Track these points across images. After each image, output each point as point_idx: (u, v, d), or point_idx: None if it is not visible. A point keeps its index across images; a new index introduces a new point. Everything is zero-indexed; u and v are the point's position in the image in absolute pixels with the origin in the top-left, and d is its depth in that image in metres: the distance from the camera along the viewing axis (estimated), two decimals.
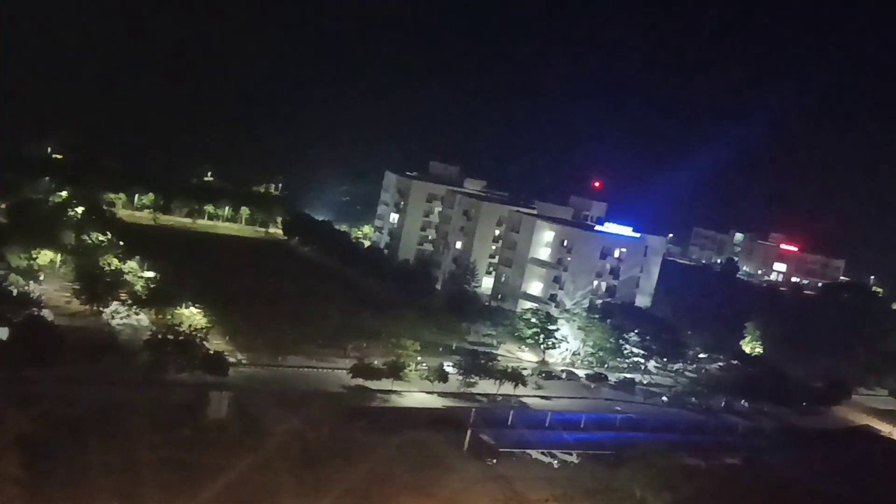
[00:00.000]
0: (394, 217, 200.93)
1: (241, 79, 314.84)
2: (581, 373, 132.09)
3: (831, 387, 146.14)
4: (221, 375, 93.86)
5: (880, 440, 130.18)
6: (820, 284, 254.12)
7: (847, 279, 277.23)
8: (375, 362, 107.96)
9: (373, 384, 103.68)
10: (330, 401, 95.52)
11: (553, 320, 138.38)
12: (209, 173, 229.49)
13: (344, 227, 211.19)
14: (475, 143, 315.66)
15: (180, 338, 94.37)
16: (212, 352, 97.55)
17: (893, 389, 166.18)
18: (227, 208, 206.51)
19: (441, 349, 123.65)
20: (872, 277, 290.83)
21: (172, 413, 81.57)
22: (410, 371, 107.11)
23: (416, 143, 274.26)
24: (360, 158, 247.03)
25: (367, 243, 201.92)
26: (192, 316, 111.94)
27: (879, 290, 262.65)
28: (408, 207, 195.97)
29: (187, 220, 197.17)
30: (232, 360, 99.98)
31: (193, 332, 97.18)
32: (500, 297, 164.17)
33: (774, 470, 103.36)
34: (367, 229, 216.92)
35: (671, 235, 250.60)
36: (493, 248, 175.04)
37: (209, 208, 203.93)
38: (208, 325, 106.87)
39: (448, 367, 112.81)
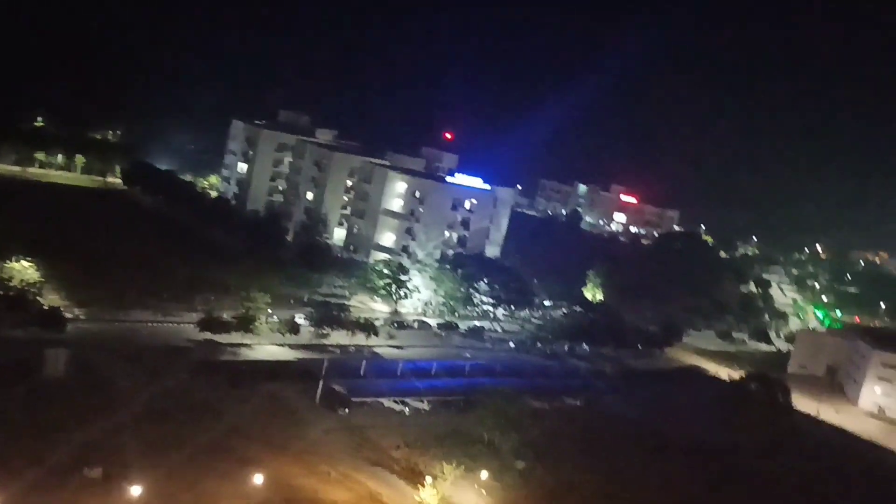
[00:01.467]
0: (242, 167, 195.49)
1: (75, 16, 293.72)
2: (433, 322, 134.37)
3: (664, 330, 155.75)
4: (58, 331, 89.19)
5: (706, 378, 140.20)
6: (656, 234, 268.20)
7: (680, 229, 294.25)
8: (224, 315, 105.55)
9: (222, 338, 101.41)
10: (177, 355, 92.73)
11: (405, 271, 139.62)
12: (40, 117, 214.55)
13: (189, 177, 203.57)
14: (327, 93, 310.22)
15: (11, 293, 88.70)
16: (47, 307, 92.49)
17: (720, 332, 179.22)
18: (60, 156, 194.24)
19: (292, 301, 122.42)
20: (703, 227, 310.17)
21: (4, 372, 76.87)
22: (260, 324, 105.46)
23: (264, 92, 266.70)
24: (206, 106, 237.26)
25: (214, 194, 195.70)
26: (23, 270, 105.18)
27: (709, 238, 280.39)
28: (256, 157, 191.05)
29: (17, 169, 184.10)
30: (69, 315, 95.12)
31: (25, 287, 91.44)
32: (352, 248, 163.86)
33: (612, 409, 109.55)
34: (213, 179, 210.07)
35: (519, 187, 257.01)
36: (345, 199, 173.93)
37: (40, 156, 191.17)
38: (41, 279, 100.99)
39: (299, 319, 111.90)
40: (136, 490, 60.20)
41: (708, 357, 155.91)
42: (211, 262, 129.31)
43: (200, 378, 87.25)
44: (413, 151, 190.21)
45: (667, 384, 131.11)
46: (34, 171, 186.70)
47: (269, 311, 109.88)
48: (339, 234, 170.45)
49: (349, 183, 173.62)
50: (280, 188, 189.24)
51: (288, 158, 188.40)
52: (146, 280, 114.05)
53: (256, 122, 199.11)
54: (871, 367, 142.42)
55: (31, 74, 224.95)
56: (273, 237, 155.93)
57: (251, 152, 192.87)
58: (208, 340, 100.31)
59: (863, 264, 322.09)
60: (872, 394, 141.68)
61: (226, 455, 71.68)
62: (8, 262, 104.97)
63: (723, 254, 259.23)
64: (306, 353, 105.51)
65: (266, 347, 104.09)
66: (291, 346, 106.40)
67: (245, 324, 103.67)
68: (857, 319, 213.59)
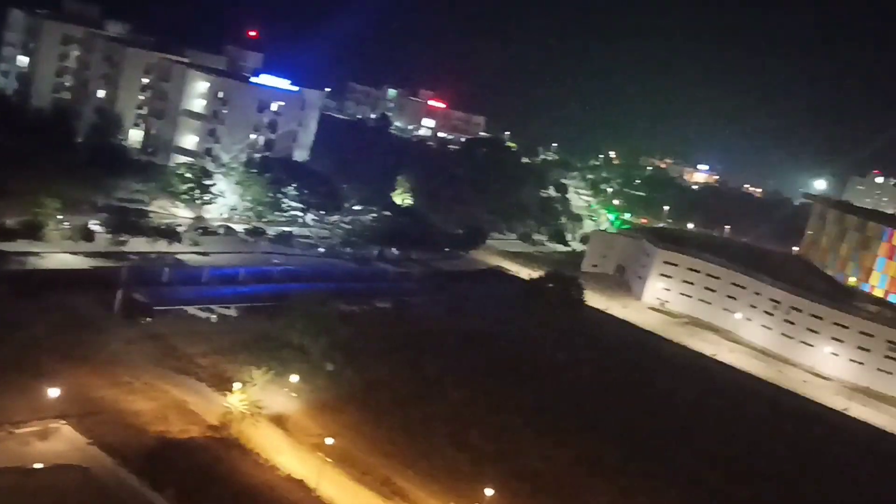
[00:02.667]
0: (22, 60, 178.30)
1: None
2: (239, 228, 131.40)
3: (470, 233, 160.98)
4: None
5: (508, 277, 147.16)
6: (463, 139, 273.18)
7: (487, 135, 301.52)
8: (8, 222, 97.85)
9: (7, 246, 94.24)
10: None
11: (209, 175, 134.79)
12: None
13: None
14: None
15: None
16: None
17: (522, 234, 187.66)
18: None
19: (85, 207, 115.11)
20: (507, 133, 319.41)
21: None
22: (51, 231, 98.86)
23: None
24: None
25: None
26: None
27: (513, 145, 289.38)
28: (39, 50, 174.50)
29: None
30: None
31: None
32: (150, 150, 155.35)
33: (419, 309, 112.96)
34: None
35: (328, 90, 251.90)
36: (142, 98, 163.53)
37: None
38: None
39: (94, 226, 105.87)
40: None
41: (510, 258, 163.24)
42: None
43: None
44: (215, 49, 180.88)
45: (472, 284, 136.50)
46: None
47: (60, 217, 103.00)
48: (135, 136, 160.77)
49: (145, 81, 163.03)
50: (67, 84, 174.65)
51: (75, 52, 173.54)
52: None
53: (38, 10, 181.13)
54: (654, 265, 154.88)
55: None
56: (61, 138, 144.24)
57: (33, 45, 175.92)
58: None
59: (650, 170, 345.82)
60: (655, 289, 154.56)
61: (18, 370, 67.76)
62: None
63: (525, 160, 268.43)
64: (103, 261, 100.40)
65: (58, 256, 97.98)
66: (86, 255, 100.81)
67: (32, 230, 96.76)
68: (644, 221, 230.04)
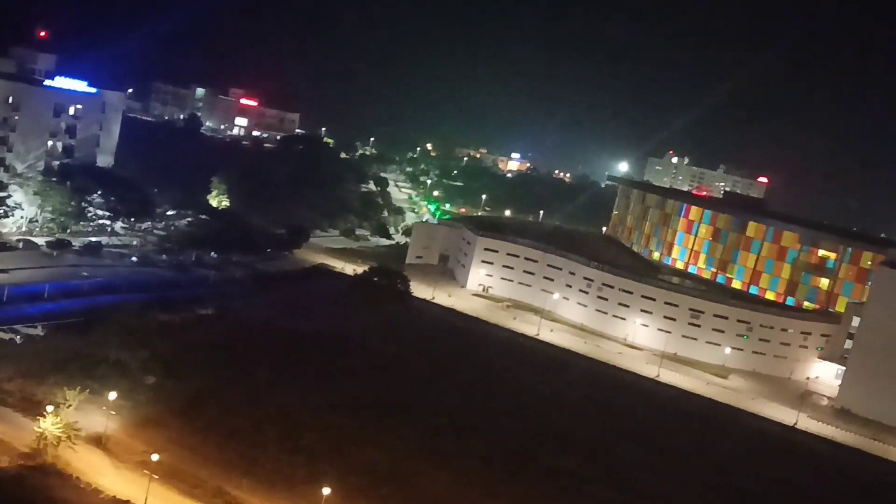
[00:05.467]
0: None
1: None
2: (41, 241, 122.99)
3: (292, 232, 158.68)
4: None
5: (333, 274, 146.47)
6: (278, 137, 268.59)
7: (302, 132, 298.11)
8: None
9: None
10: None
11: (3, 187, 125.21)
12: None
13: None
14: None
15: None
16: None
17: (344, 230, 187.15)
18: None
19: None
20: (324, 129, 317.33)
21: None
22: None
23: None
24: None
25: None
26: None
27: (330, 140, 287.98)
28: None
29: None
30: None
31: None
32: None
33: (243, 314, 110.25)
34: None
35: (130, 91, 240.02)
36: None
37: None
38: None
39: None
40: None
41: (334, 255, 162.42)
42: None
43: None
44: (2, 52, 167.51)
45: (296, 284, 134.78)
46: None
47: None
48: None
49: None
50: None
51: None
52: None
53: None
54: (475, 253, 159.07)
55: None
56: None
57: None
58: None
59: (466, 160, 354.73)
60: (478, 276, 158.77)
61: None
62: None
63: (344, 155, 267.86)
64: None
65: None
66: None
67: None
68: (463, 210, 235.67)
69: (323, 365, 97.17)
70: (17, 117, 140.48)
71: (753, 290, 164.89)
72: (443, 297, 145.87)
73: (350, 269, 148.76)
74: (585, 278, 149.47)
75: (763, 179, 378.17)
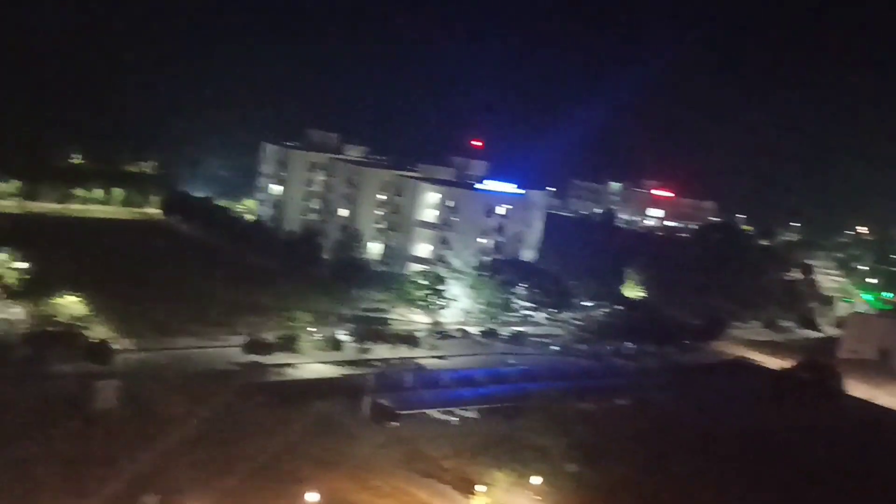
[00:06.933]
0: (276, 188, 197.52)
1: (100, 52, 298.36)
2: (474, 330, 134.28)
3: (709, 323, 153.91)
4: (107, 364, 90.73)
5: (754, 368, 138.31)
6: (693, 226, 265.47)
7: (718, 220, 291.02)
8: (267, 337, 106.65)
9: (266, 359, 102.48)
10: (225, 379, 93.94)
11: (442, 281, 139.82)
12: (77, 154, 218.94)
13: (224, 203, 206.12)
14: (353, 110, 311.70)
15: (60, 329, 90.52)
16: (95, 340, 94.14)
17: (766, 321, 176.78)
18: (98, 191, 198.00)
19: (333, 318, 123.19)
20: (742, 216, 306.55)
21: (58, 407, 78.45)
22: (304, 343, 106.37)
23: (291, 112, 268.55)
24: (234, 130, 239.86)
25: (251, 217, 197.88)
26: (70, 305, 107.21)
27: (749, 228, 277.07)
28: (289, 178, 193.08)
29: (58, 206, 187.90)
30: (117, 346, 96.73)
31: (74, 322, 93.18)
32: (388, 262, 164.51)
33: (660, 406, 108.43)
34: (249, 203, 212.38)
35: (552, 189, 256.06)
36: (379, 213, 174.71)
37: (80, 192, 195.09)
38: (89, 313, 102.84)
39: (341, 336, 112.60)
40: None
41: (755, 347, 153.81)
42: (251, 285, 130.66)
43: (249, 400, 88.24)
44: (442, 161, 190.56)
45: (714, 377, 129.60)
46: (76, 207, 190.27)
47: (311, 329, 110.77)
48: (374, 249, 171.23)
49: (382, 197, 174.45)
50: (314, 207, 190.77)
51: (320, 177, 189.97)
52: (189, 306, 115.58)
53: (286, 143, 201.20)
54: None
55: (62, 112, 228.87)
56: (310, 256, 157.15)
57: (283, 174, 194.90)
58: (253, 362, 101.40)
59: None
60: None
61: (279, 475, 72.30)
62: (55, 298, 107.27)
63: (764, 242, 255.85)
64: (351, 368, 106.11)
65: (310, 366, 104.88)
66: (335, 363, 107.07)
67: (288, 343, 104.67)
68: None
69: (744, 465, 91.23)
70: (455, 219, 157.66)
71: None
72: (884, 397, 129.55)
73: (773, 363, 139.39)
74: None
75: None
